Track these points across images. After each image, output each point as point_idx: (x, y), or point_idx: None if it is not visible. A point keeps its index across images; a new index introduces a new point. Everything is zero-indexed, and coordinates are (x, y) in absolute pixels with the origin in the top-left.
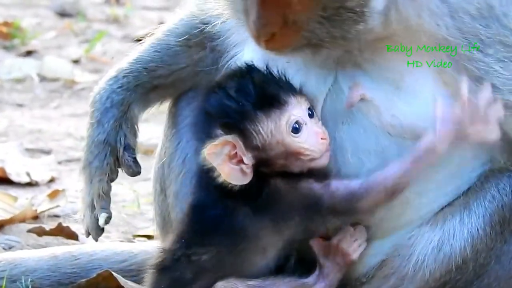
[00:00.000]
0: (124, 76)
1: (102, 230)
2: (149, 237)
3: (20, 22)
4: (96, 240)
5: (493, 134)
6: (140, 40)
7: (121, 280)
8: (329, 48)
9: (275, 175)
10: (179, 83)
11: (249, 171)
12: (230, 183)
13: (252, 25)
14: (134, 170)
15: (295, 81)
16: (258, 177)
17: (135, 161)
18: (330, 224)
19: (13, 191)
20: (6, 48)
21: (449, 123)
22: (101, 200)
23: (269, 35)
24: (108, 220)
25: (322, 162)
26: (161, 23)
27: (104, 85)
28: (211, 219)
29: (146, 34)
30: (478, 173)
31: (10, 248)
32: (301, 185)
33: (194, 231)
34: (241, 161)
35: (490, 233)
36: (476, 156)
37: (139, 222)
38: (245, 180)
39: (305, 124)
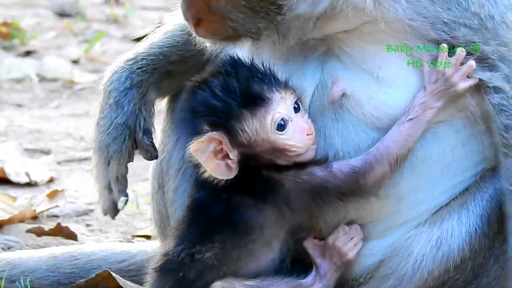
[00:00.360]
0: (142, 58)
1: (119, 210)
2: (148, 237)
3: (19, 22)
4: (114, 219)
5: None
6: (139, 39)
7: (120, 280)
8: (258, 39)
9: (265, 167)
10: (188, 72)
11: (234, 166)
12: (215, 178)
13: (180, 9)
14: (153, 154)
15: (282, 77)
16: (249, 168)
17: (153, 145)
18: (334, 213)
19: (12, 191)
20: (5, 48)
21: (435, 76)
22: (119, 184)
23: (195, 20)
24: (126, 202)
25: (308, 156)
26: (161, 23)
27: (123, 65)
28: (215, 216)
29: (146, 34)
30: (473, 172)
31: (9, 248)
32: (302, 171)
33: (197, 230)
34: (226, 156)
35: (488, 232)
36: (468, 154)
37: (138, 222)
38: (231, 174)
39: (291, 120)
